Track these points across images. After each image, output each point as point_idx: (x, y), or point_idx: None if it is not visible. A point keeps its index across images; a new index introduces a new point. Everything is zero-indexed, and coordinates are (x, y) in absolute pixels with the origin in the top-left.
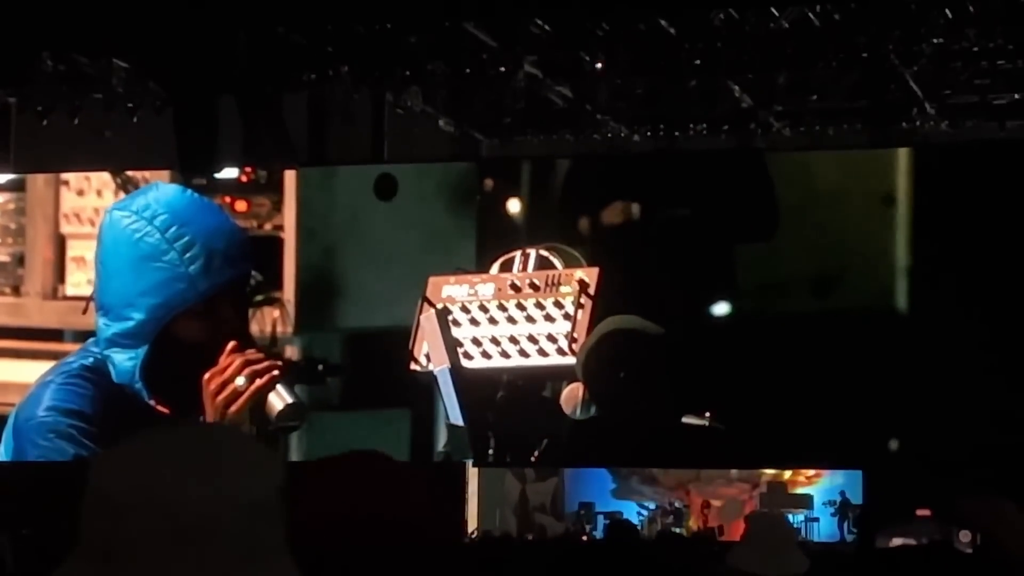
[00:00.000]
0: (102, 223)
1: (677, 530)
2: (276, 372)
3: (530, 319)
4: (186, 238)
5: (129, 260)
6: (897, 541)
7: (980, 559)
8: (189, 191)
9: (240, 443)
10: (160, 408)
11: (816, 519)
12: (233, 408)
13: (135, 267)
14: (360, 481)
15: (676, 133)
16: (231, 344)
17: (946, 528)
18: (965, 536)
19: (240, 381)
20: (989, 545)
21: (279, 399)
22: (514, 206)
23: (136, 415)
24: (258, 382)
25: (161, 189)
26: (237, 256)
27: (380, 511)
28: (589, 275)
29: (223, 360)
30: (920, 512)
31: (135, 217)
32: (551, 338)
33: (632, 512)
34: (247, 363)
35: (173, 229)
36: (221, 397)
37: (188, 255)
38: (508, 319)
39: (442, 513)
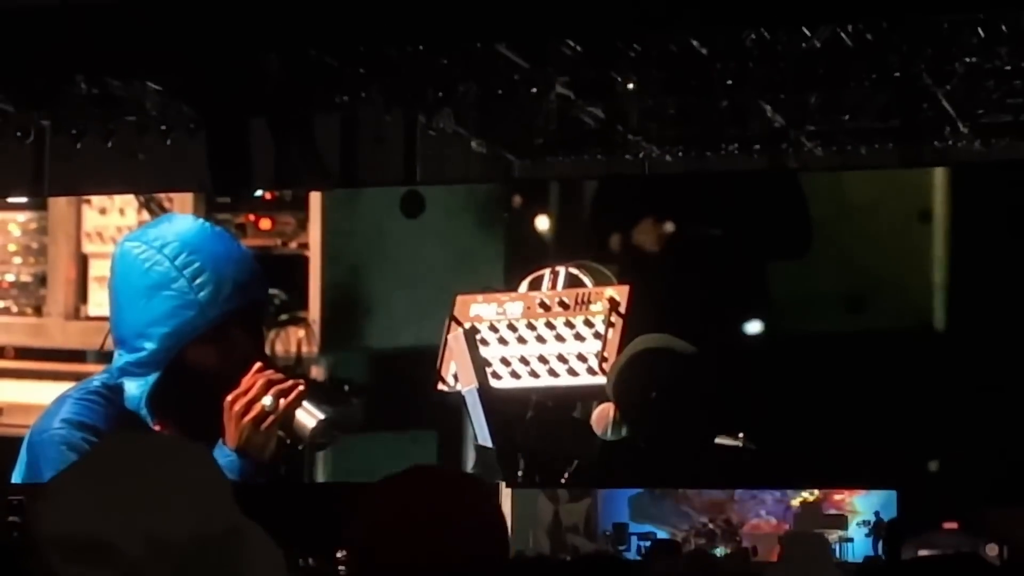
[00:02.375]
0: (114, 254)
1: (712, 551)
2: (301, 389)
3: (559, 338)
4: (195, 265)
5: (140, 290)
6: (924, 553)
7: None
8: (201, 220)
9: (187, 479)
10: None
11: (851, 539)
12: (263, 427)
13: (146, 296)
14: (430, 493)
15: (708, 153)
16: (257, 365)
17: (973, 540)
18: (992, 549)
19: (267, 401)
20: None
21: (310, 417)
22: (543, 223)
23: None
24: (285, 401)
25: (174, 220)
26: (248, 283)
27: (452, 520)
28: (620, 293)
29: (246, 381)
30: (947, 525)
31: (146, 247)
32: (581, 357)
33: (665, 533)
34: (271, 383)
35: (182, 257)
36: (248, 418)
37: (197, 282)
38: (537, 338)
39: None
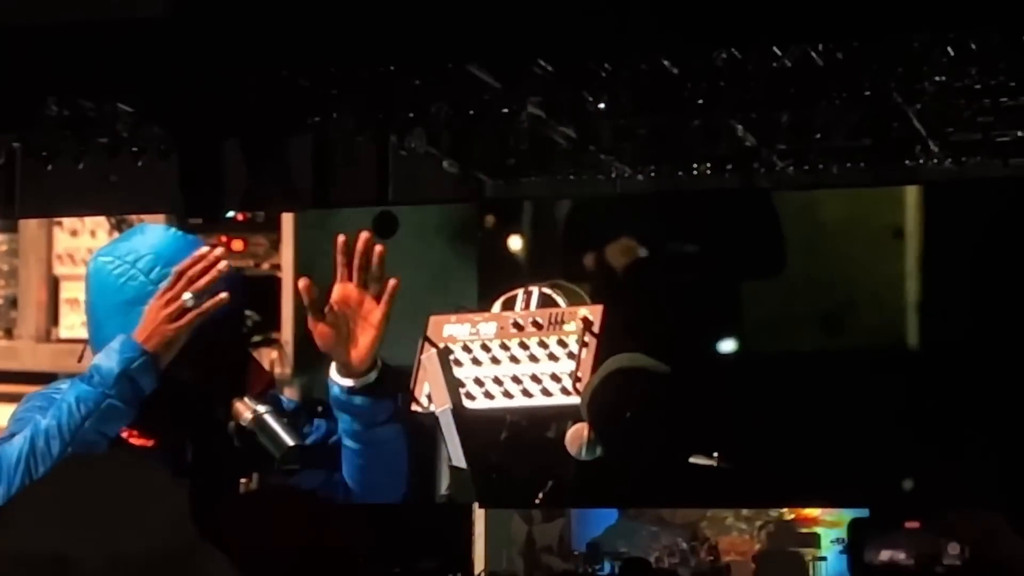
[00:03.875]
0: (88, 270)
1: (684, 570)
2: (223, 297)
3: (533, 358)
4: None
5: (116, 305)
6: (886, 554)
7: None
8: (173, 230)
9: (145, 496)
10: (141, 442)
11: (824, 558)
12: (178, 322)
13: (122, 312)
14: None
15: (679, 172)
16: (176, 270)
17: (935, 540)
18: (954, 549)
19: (187, 296)
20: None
21: (289, 436)
22: (516, 243)
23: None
24: (209, 302)
25: (146, 232)
26: (224, 290)
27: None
28: (593, 313)
29: (170, 279)
30: (909, 524)
31: (119, 262)
32: (555, 377)
33: (639, 553)
34: (192, 280)
35: (157, 270)
36: (166, 311)
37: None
38: (511, 358)
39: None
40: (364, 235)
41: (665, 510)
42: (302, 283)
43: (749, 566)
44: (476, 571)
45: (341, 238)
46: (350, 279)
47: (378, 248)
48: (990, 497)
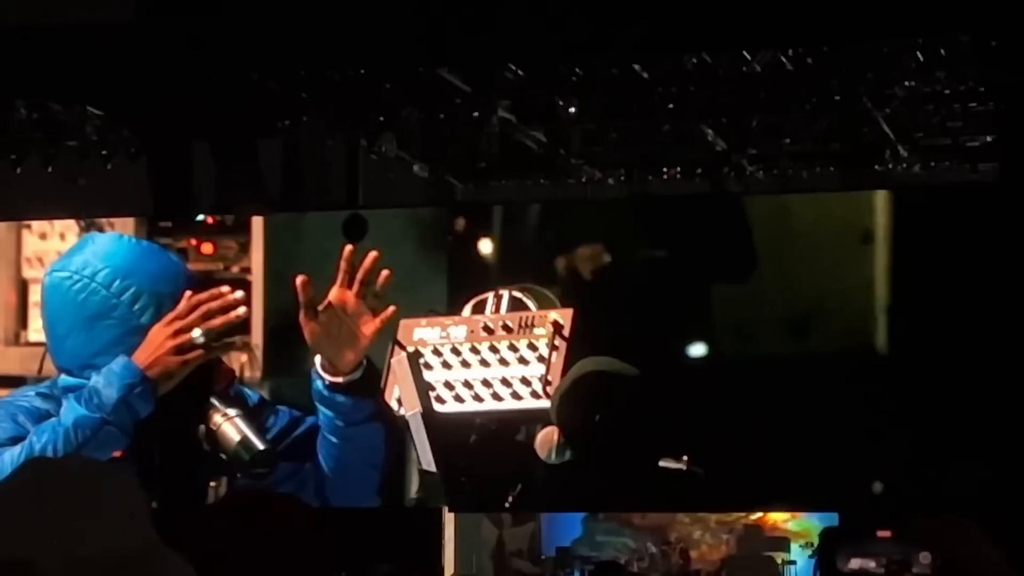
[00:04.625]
0: (43, 285)
1: (654, 575)
2: (237, 339)
3: (503, 362)
4: (132, 289)
5: (79, 321)
6: (856, 562)
7: None
8: (126, 237)
9: (104, 499)
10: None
11: (793, 562)
12: (183, 357)
13: (86, 328)
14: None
15: (650, 177)
16: (189, 295)
17: (907, 549)
18: (925, 558)
19: (196, 334)
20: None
21: (259, 439)
22: (486, 247)
23: None
24: (219, 347)
25: (97, 242)
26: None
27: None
28: (563, 316)
29: (182, 308)
30: (880, 533)
31: (77, 276)
32: (525, 381)
33: (608, 556)
34: (208, 316)
35: (117, 283)
36: (173, 343)
37: (137, 307)
38: (481, 362)
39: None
40: (373, 254)
41: (635, 514)
42: (300, 280)
43: (719, 570)
44: (446, 575)
45: (348, 248)
46: (349, 287)
47: (385, 272)
48: (960, 501)
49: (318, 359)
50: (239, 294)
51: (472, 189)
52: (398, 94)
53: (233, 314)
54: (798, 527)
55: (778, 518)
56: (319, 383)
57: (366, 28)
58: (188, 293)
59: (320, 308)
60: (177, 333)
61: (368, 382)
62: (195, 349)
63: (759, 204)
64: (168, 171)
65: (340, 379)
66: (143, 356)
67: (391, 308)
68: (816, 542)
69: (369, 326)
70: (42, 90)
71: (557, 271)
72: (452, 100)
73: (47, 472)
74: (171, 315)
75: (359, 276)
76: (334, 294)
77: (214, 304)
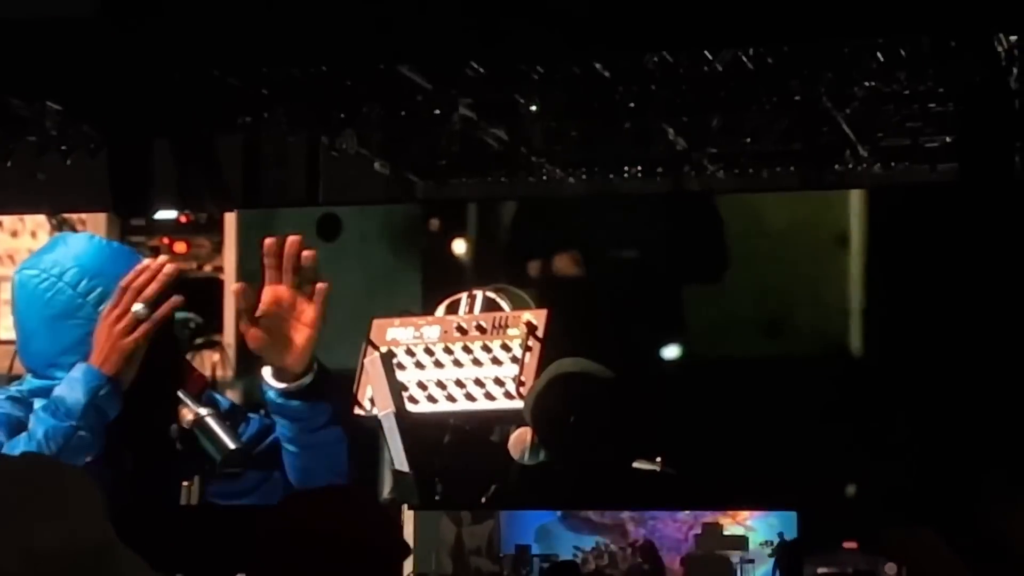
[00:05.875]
0: (13, 283)
1: (614, 572)
2: (178, 299)
3: (477, 362)
4: (99, 290)
5: (45, 320)
6: (822, 571)
7: None
8: (98, 239)
9: (60, 496)
10: None
11: (751, 560)
12: (134, 336)
13: (51, 327)
14: (316, 513)
15: (611, 176)
16: (127, 277)
17: (873, 560)
18: (891, 568)
19: (138, 307)
20: None
21: (231, 439)
22: (460, 247)
23: None
24: (160, 310)
25: (69, 242)
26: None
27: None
28: (537, 317)
29: (114, 295)
30: (847, 544)
31: (44, 275)
32: (498, 381)
33: (567, 554)
34: (138, 291)
35: (84, 282)
36: (119, 327)
37: (103, 307)
38: (454, 362)
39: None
40: (293, 237)
41: (593, 512)
42: (236, 287)
43: (677, 568)
44: (405, 573)
45: (268, 240)
46: (279, 281)
47: (307, 252)
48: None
49: (266, 371)
50: (162, 258)
51: (432, 186)
52: (359, 91)
53: (163, 276)
54: (757, 525)
55: (738, 516)
56: (271, 393)
57: (327, 25)
58: (120, 284)
59: (258, 313)
60: (118, 318)
61: (321, 386)
62: (140, 324)
63: (732, 205)
64: (128, 167)
65: (290, 384)
66: (98, 356)
67: (322, 284)
68: (776, 541)
69: (309, 313)
70: (1, 85)
71: (531, 271)
72: (413, 97)
73: (3, 469)
74: (107, 308)
75: (285, 266)
76: (267, 294)
77: (142, 278)
